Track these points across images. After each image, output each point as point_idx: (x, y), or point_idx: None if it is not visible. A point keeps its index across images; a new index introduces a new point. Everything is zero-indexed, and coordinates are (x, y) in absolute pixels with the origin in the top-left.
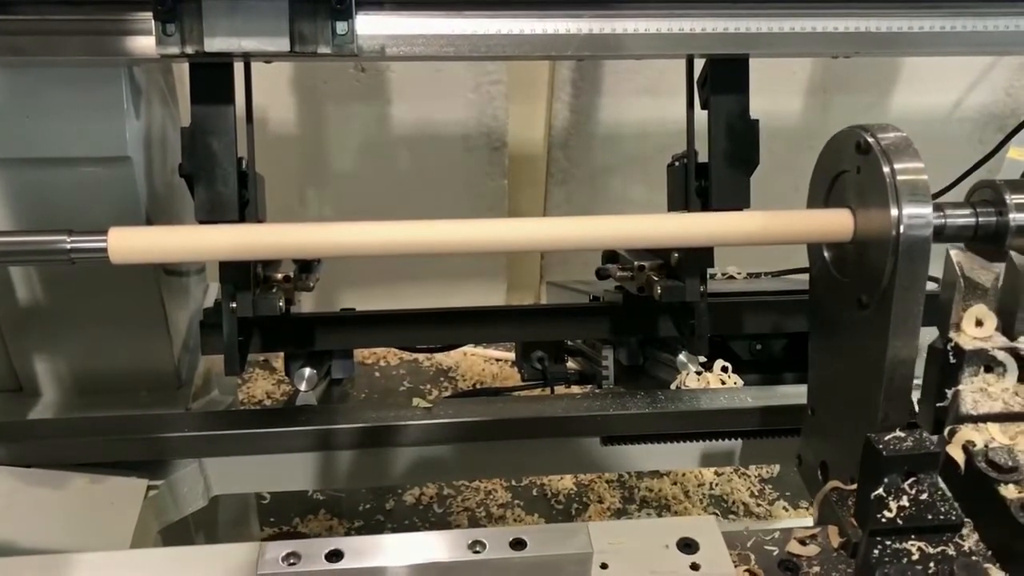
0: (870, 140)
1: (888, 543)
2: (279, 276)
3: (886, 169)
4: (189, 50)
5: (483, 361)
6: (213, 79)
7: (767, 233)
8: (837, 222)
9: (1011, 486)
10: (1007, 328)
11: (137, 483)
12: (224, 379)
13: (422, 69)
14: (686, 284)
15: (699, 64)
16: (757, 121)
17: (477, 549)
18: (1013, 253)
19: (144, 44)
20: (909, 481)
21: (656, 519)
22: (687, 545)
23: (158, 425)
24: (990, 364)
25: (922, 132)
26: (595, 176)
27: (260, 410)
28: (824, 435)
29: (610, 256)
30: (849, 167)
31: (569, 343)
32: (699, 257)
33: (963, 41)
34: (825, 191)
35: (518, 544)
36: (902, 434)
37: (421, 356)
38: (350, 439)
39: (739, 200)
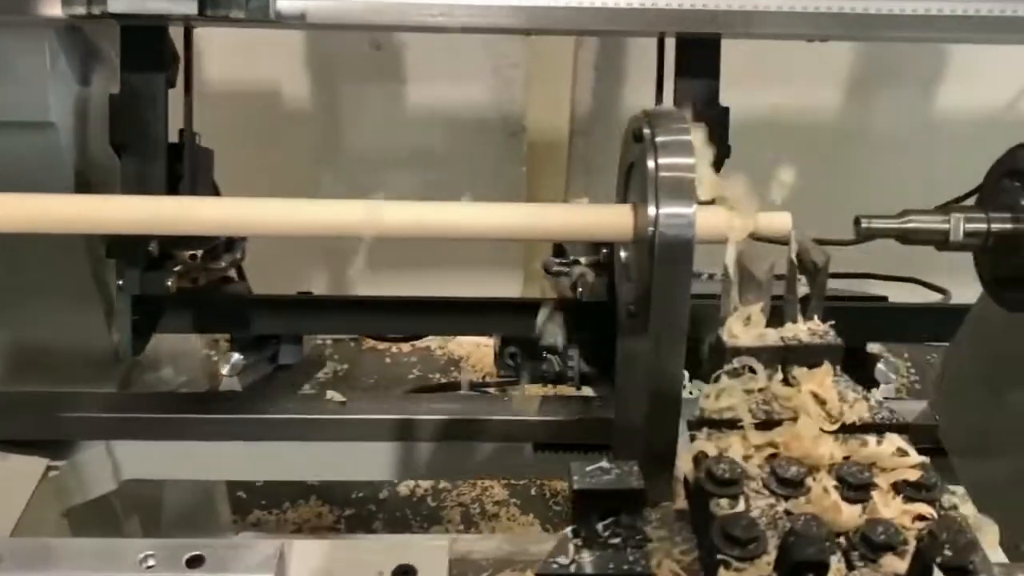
0: (645, 130)
1: None
2: (187, 255)
3: (651, 163)
4: (95, 11)
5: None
6: (142, 44)
7: (538, 228)
8: (617, 219)
9: (724, 501)
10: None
11: (36, 463)
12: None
13: (439, 48)
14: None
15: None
16: (727, 109)
17: (150, 564)
18: (793, 243)
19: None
20: (606, 522)
21: (389, 537)
22: (404, 573)
23: (62, 404)
24: (748, 365)
25: (971, 133)
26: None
27: (173, 394)
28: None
29: (558, 249)
30: (634, 157)
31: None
32: None
33: (960, 26)
34: (623, 183)
35: (195, 561)
36: (607, 465)
37: (433, 344)
38: (258, 430)
39: None
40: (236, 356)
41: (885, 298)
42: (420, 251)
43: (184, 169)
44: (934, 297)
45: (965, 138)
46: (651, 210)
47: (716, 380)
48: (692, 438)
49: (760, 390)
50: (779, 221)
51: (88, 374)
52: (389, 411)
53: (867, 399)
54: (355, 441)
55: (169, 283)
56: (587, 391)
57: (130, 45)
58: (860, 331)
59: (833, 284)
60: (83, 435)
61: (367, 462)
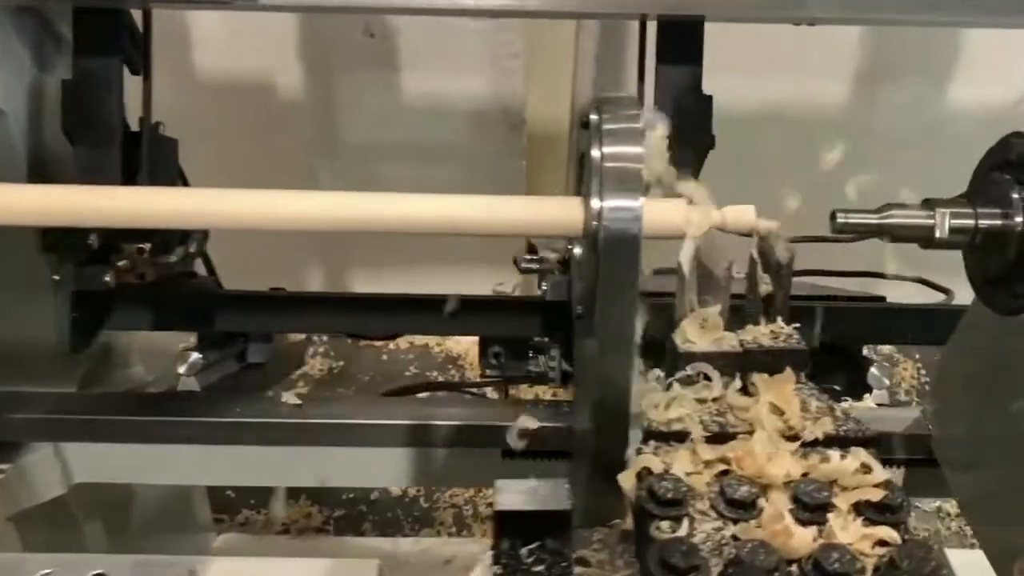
0: (592, 116)
1: None
2: (133, 248)
3: (595, 152)
4: None
5: None
6: (96, 27)
7: (486, 222)
8: (566, 213)
9: (666, 523)
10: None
11: None
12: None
13: (434, 37)
14: None
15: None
16: (710, 97)
17: None
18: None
19: None
20: (531, 546)
21: (316, 561)
22: None
23: (8, 404)
24: (702, 372)
25: (978, 130)
26: None
27: (123, 394)
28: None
29: (531, 243)
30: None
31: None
32: None
33: (962, 7)
34: (577, 175)
35: None
36: (535, 482)
37: (431, 341)
38: (209, 433)
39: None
40: (195, 355)
41: (883, 298)
42: (414, 247)
43: (142, 159)
44: (938, 297)
45: (972, 134)
46: (594, 203)
47: (668, 388)
48: (637, 452)
49: (715, 399)
50: (741, 214)
51: (43, 372)
52: (344, 415)
53: (832, 409)
54: (307, 446)
55: (107, 278)
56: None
57: (83, 28)
58: (854, 333)
59: (832, 283)
60: (29, 436)
61: (319, 468)
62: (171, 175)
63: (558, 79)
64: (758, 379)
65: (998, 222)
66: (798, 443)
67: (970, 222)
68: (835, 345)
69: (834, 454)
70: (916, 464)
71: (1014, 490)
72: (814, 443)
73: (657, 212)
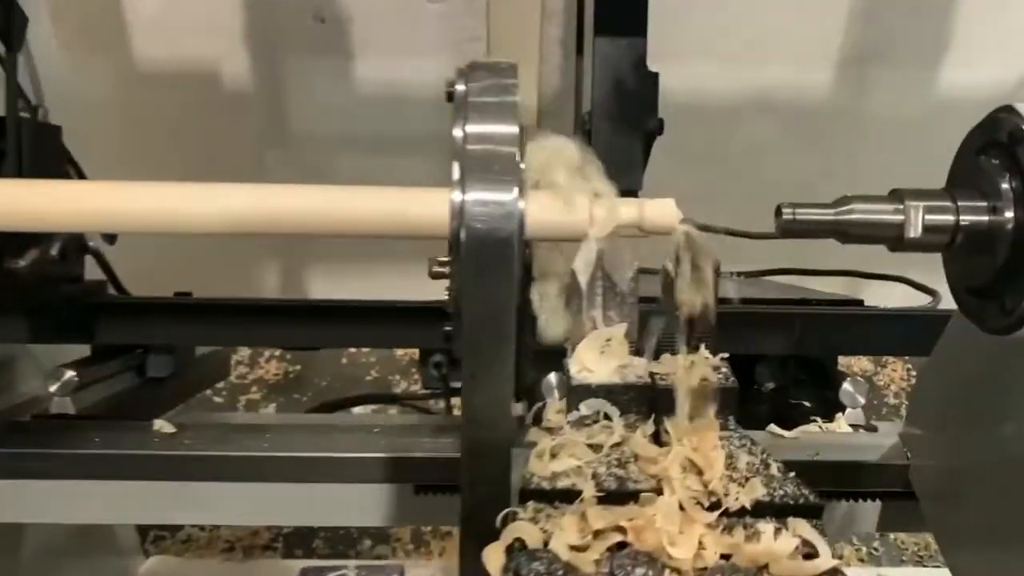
0: (458, 87)
1: None
2: None
3: (457, 132)
4: None
5: None
6: None
7: (332, 219)
8: (432, 208)
9: None
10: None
11: None
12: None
13: (390, 21)
14: None
15: None
16: (656, 75)
17: None
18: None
19: None
20: None
21: None
22: None
23: None
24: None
25: (974, 116)
26: None
27: None
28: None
29: None
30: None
31: None
32: None
33: None
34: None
35: None
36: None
37: None
38: (64, 467)
39: (625, 175)
40: (68, 373)
41: (860, 301)
42: (380, 246)
43: (7, 147)
44: (923, 299)
45: (968, 121)
46: (455, 196)
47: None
48: (511, 517)
49: (615, 446)
50: (662, 210)
51: None
52: (224, 445)
53: (767, 465)
54: (175, 481)
55: None
56: None
57: None
58: (825, 342)
59: (809, 284)
60: None
61: (194, 503)
62: (52, 166)
63: (522, 66)
64: (672, 425)
65: (984, 218)
66: (719, 512)
67: (950, 218)
68: (804, 357)
69: (767, 529)
70: (893, 497)
71: (1000, 526)
72: (741, 513)
73: (545, 208)
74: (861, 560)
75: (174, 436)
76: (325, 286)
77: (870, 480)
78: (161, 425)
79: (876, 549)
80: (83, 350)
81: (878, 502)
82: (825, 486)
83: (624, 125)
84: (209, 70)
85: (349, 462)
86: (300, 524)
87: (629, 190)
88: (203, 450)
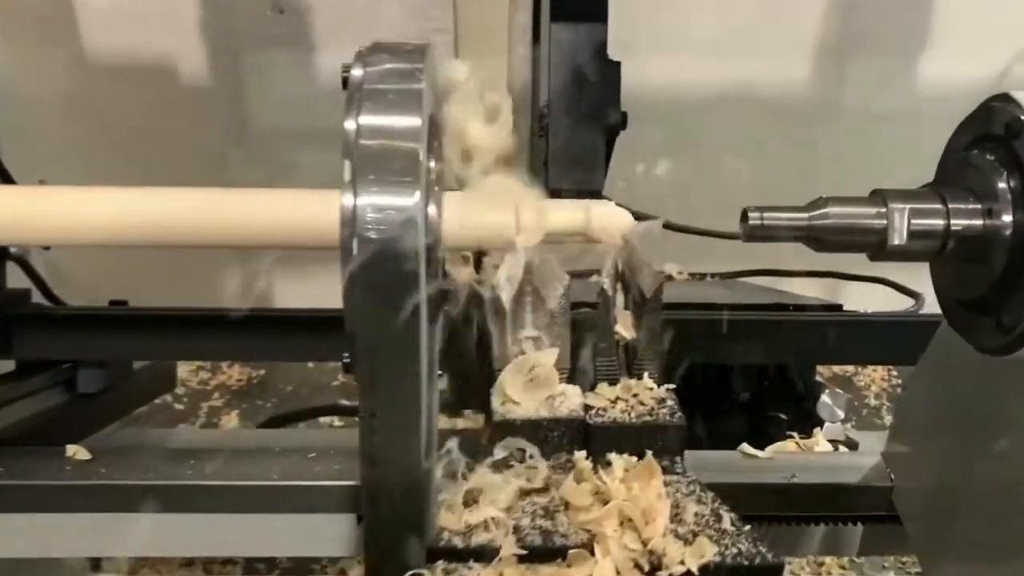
0: (355, 71)
1: None
2: None
3: (349, 124)
4: None
5: None
6: None
7: (209, 227)
8: (320, 213)
9: None
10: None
11: None
12: None
13: (351, 11)
14: None
15: None
16: (619, 64)
17: None
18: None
19: None
20: None
21: None
22: None
23: None
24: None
25: (962, 110)
26: None
27: None
28: None
29: None
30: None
31: None
32: None
33: None
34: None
35: None
36: None
37: None
38: None
39: (585, 173)
40: None
41: (839, 307)
42: None
43: None
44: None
45: (955, 113)
46: (346, 200)
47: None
48: None
49: (541, 492)
50: (612, 217)
51: None
52: (136, 475)
53: (719, 517)
54: (89, 512)
55: None
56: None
57: None
58: (802, 351)
59: (785, 285)
60: None
61: (105, 535)
62: None
63: (490, 57)
64: (607, 471)
65: (978, 222)
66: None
67: (939, 222)
68: (780, 367)
69: None
70: (876, 521)
71: (991, 548)
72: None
73: (462, 214)
74: (842, 567)
75: (89, 463)
76: (291, 293)
77: (851, 503)
78: (75, 451)
79: (857, 557)
80: (7, 365)
81: (860, 526)
82: (803, 510)
83: (584, 119)
84: (165, 63)
85: (277, 491)
86: (226, 555)
87: (590, 190)
88: (119, 479)
